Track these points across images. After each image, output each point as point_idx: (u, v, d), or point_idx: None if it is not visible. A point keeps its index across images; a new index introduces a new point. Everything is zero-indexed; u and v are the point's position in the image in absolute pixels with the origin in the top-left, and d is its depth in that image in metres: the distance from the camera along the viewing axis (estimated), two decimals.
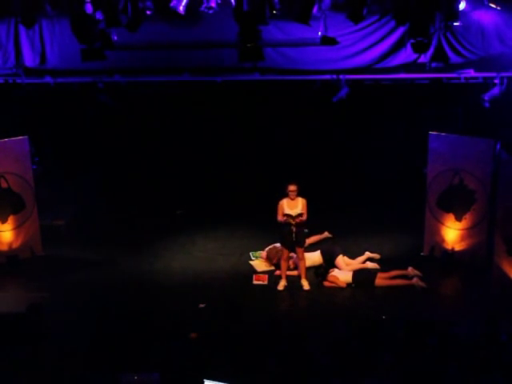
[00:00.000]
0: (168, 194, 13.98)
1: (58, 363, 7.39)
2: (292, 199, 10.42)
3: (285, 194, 10.47)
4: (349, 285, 10.78)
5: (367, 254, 11.57)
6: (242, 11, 9.93)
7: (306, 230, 11.87)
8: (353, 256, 11.54)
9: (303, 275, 10.79)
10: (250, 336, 7.91)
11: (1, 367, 7.29)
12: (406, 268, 10.93)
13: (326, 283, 10.82)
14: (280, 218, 10.45)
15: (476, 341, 7.85)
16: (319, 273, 10.92)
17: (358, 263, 11.35)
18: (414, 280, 10.62)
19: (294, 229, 10.43)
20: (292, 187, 10.39)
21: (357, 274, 10.84)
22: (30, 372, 7.27)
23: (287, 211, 10.40)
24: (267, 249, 11.60)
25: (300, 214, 10.37)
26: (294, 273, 11.06)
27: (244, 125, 13.66)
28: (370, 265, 11.33)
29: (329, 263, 11.22)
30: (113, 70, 12.32)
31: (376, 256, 11.60)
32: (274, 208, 10.53)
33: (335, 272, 10.90)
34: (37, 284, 10.93)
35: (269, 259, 11.44)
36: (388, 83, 12.31)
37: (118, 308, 9.41)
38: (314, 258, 11.34)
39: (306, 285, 10.75)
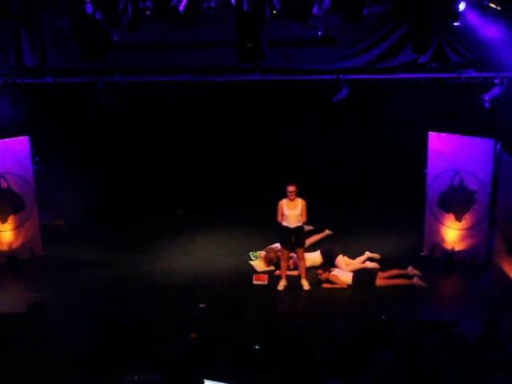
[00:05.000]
0: (168, 194, 13.97)
1: (58, 363, 7.38)
2: (291, 200, 10.43)
3: (284, 195, 10.47)
4: (349, 285, 10.79)
5: (367, 254, 11.57)
6: (242, 11, 9.93)
7: (312, 228, 11.91)
8: (353, 256, 11.54)
9: (303, 275, 10.79)
10: (250, 336, 7.91)
11: (1, 367, 7.28)
12: (405, 268, 10.94)
13: (325, 285, 10.81)
14: (280, 218, 10.46)
15: (476, 341, 7.85)
16: (325, 268, 10.90)
17: (358, 263, 11.35)
18: (415, 279, 10.62)
19: (294, 229, 10.45)
20: (291, 188, 10.39)
21: (357, 274, 10.84)
22: (30, 372, 7.26)
23: (286, 212, 10.41)
24: (266, 249, 11.61)
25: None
26: (294, 273, 11.06)
27: (244, 125, 13.66)
28: (369, 264, 11.33)
29: (329, 263, 11.22)
30: (113, 70, 12.31)
31: (376, 256, 11.60)
32: (274, 208, 10.54)
33: (335, 271, 10.90)
34: (37, 284, 10.95)
35: (266, 260, 11.43)
36: (388, 83, 12.31)
37: (118, 308, 9.41)
38: (314, 258, 11.34)
39: (306, 285, 10.75)
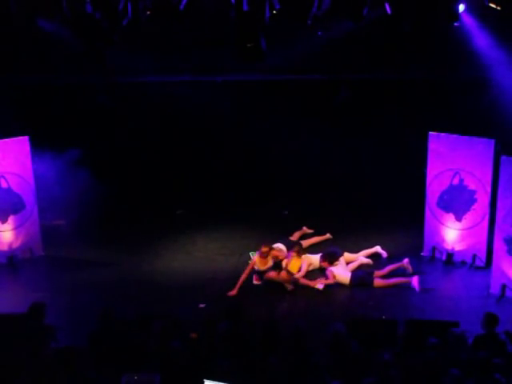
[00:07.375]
0: (168, 194, 13.98)
1: (57, 363, 7.39)
2: (264, 258, 10.55)
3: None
4: (346, 285, 10.78)
5: (376, 249, 11.57)
6: (242, 11, 9.94)
7: (312, 231, 11.87)
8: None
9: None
10: (249, 336, 7.91)
11: (1, 367, 7.29)
12: (400, 260, 10.97)
13: (323, 281, 10.79)
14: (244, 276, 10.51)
15: (476, 341, 7.85)
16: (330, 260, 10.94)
17: (362, 255, 11.36)
18: (414, 280, 10.59)
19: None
20: (264, 249, 10.51)
21: (354, 276, 10.77)
22: (30, 372, 7.27)
23: (257, 268, 10.60)
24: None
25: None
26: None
27: (244, 124, 13.66)
28: (364, 260, 11.34)
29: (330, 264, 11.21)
30: (113, 70, 12.31)
31: (383, 254, 11.59)
32: (274, 208, 10.51)
33: (335, 269, 10.85)
34: (37, 284, 10.94)
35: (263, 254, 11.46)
36: (388, 83, 12.32)
37: (118, 308, 9.40)
38: (316, 260, 11.28)
39: (289, 286, 10.68)
